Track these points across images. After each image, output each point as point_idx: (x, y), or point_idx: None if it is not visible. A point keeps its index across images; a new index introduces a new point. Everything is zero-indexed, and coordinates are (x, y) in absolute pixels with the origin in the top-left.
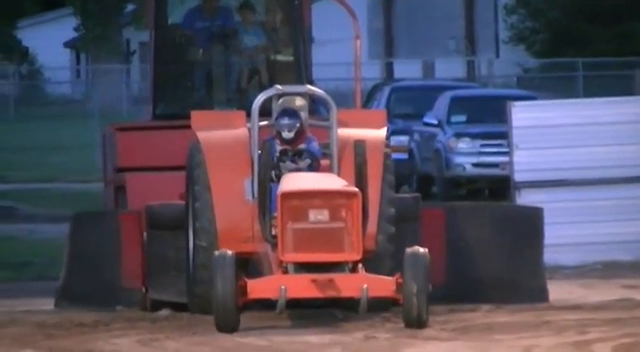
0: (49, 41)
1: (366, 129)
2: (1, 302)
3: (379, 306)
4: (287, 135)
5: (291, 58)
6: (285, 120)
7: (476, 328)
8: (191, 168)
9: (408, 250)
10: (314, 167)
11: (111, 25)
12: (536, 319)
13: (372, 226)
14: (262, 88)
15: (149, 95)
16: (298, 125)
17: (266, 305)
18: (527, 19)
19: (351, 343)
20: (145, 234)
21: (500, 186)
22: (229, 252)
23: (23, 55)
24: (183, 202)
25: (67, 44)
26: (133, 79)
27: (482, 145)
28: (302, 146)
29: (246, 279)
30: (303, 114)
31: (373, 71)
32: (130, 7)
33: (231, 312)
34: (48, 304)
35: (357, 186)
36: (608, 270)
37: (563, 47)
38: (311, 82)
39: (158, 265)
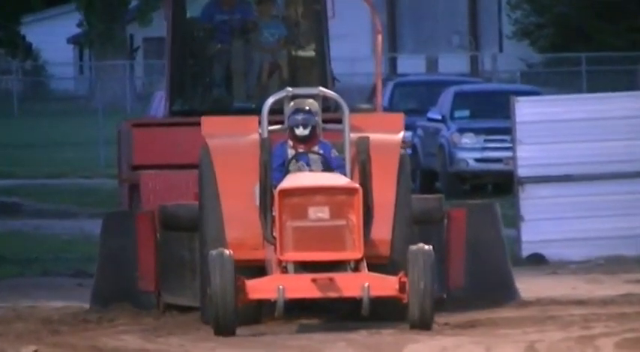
0: (52, 37)
1: (382, 134)
2: (6, 297)
3: (388, 314)
4: (302, 131)
5: (313, 54)
6: (300, 116)
7: (481, 323)
8: (201, 175)
9: (412, 248)
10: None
11: (115, 21)
12: (540, 314)
13: (387, 232)
14: (283, 83)
15: (166, 91)
16: (313, 122)
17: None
18: (531, 14)
19: (355, 339)
20: (158, 235)
21: (503, 182)
22: (227, 251)
23: (27, 50)
24: (197, 202)
25: (70, 40)
26: (137, 75)
27: (485, 140)
28: (315, 148)
29: (244, 279)
30: (317, 118)
31: None
32: (134, 3)
33: (230, 313)
34: (53, 300)
35: (360, 184)
36: (613, 265)
37: (569, 42)
38: (333, 78)
39: (172, 268)
